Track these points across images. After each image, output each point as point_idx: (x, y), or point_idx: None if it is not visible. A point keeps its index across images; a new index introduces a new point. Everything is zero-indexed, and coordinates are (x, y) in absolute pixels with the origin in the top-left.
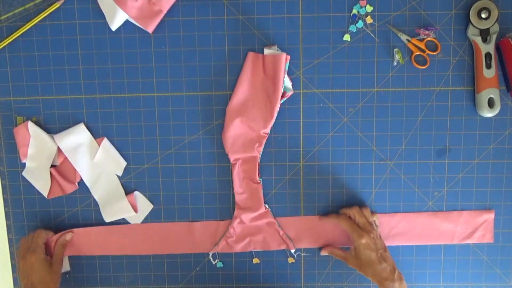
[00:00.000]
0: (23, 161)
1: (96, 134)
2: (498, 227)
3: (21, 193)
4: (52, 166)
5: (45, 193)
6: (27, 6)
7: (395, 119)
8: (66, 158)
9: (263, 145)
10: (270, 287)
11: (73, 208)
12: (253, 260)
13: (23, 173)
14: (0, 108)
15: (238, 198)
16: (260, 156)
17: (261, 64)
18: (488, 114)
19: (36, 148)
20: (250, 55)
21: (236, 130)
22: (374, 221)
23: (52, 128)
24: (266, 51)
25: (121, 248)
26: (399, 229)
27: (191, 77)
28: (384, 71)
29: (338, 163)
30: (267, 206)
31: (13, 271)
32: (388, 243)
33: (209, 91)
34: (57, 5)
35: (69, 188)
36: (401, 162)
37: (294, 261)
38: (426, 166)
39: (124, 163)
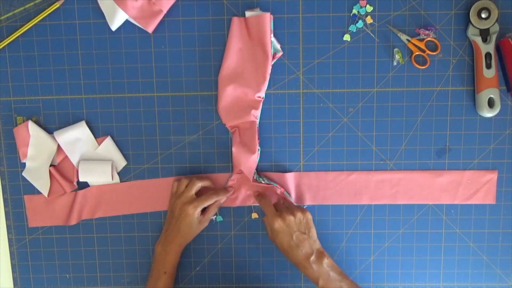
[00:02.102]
0: (23, 161)
1: (96, 134)
2: (498, 226)
3: (21, 193)
4: (51, 165)
5: (45, 192)
6: (27, 6)
7: (395, 119)
8: (65, 157)
9: (259, 110)
10: (270, 285)
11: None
12: (252, 215)
13: (23, 173)
14: (0, 108)
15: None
16: (258, 121)
17: (245, 28)
18: (488, 114)
19: (36, 148)
20: (234, 20)
21: (230, 98)
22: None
23: (52, 128)
24: (248, 13)
25: (121, 207)
26: (401, 187)
27: (191, 77)
28: (384, 71)
29: (338, 163)
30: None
31: (13, 271)
32: (389, 202)
33: (209, 91)
34: (57, 5)
35: (69, 188)
36: (401, 162)
37: None
38: (426, 166)
39: (124, 163)
